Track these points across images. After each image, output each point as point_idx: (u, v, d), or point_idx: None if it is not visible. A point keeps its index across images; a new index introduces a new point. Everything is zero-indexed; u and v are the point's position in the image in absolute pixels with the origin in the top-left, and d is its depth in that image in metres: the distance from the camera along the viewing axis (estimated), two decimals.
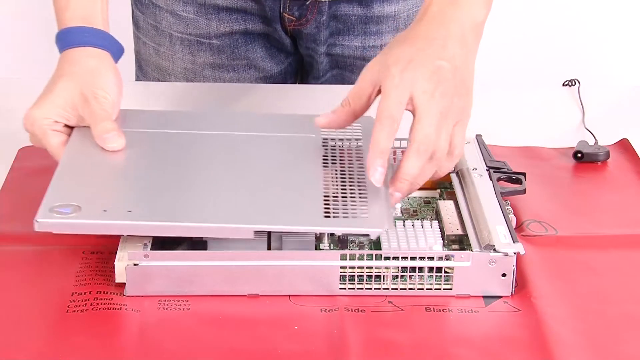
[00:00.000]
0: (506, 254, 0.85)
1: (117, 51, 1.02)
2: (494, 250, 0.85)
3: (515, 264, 0.85)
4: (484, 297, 0.86)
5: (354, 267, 0.85)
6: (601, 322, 0.84)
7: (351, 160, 0.94)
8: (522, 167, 1.03)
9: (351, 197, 0.87)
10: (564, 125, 1.17)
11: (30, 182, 1.01)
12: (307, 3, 1.22)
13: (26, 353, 0.79)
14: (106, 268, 0.88)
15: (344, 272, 0.85)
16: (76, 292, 0.85)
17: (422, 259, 0.85)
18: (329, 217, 0.85)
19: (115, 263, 0.85)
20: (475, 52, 0.93)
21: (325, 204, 0.86)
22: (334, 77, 1.32)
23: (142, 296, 0.85)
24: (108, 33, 1.02)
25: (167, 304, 0.84)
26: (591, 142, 1.11)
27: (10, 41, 2.24)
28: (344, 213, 0.85)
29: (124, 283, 0.85)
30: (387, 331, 0.82)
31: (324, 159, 0.93)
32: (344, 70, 1.31)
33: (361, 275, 0.85)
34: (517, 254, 0.85)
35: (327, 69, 1.31)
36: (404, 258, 0.85)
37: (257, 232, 0.83)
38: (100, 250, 0.90)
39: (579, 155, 1.08)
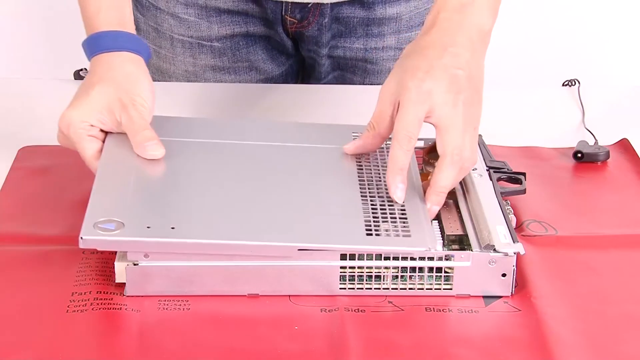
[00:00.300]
0: (506, 254, 0.85)
1: (147, 56, 1.02)
2: (494, 250, 0.85)
3: (515, 264, 0.85)
4: (484, 297, 0.86)
5: (353, 267, 0.85)
6: (601, 322, 0.84)
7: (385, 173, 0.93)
8: (522, 167, 1.03)
9: (391, 213, 0.88)
10: (564, 125, 1.17)
11: (31, 182, 1.01)
12: (309, 5, 1.22)
13: (26, 353, 0.79)
14: (106, 268, 0.88)
15: (344, 272, 0.85)
16: (76, 292, 0.85)
17: (422, 259, 0.84)
18: (370, 234, 0.85)
19: (115, 263, 0.85)
20: (483, 59, 0.94)
21: (366, 222, 0.86)
22: (335, 79, 1.32)
23: (142, 296, 0.85)
24: (140, 37, 1.02)
25: (167, 304, 0.84)
26: (591, 142, 1.11)
27: (10, 41, 2.24)
28: (385, 231, 0.86)
29: (124, 283, 0.85)
30: (387, 331, 0.82)
31: (359, 172, 0.94)
32: (345, 72, 1.31)
33: (361, 276, 0.85)
34: (517, 254, 0.85)
35: (329, 70, 1.31)
36: (404, 258, 0.85)
37: (300, 250, 0.84)
38: (100, 251, 0.90)
39: (579, 155, 1.08)
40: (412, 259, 0.84)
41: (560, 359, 0.79)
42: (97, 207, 0.86)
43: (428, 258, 0.84)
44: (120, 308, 0.83)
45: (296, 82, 1.35)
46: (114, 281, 0.86)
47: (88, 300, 0.84)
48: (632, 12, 2.23)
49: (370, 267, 0.85)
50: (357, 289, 0.85)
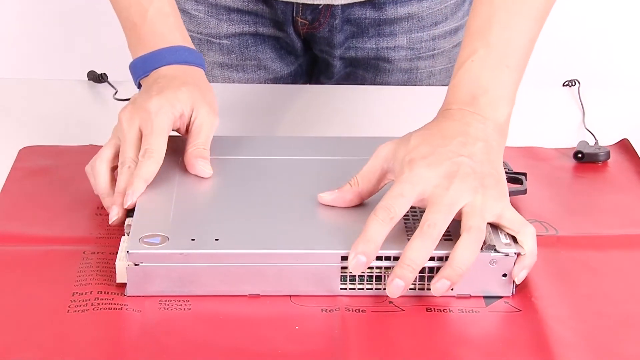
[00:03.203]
0: (507, 255, 0.85)
1: (204, 68, 1.03)
2: (495, 250, 0.85)
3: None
4: (484, 297, 0.86)
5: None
6: (601, 322, 0.84)
7: None
8: (523, 168, 1.03)
9: (414, 217, 0.88)
10: (564, 126, 1.17)
11: (31, 182, 1.01)
12: (320, 7, 1.22)
13: (27, 353, 0.79)
14: (107, 268, 0.88)
15: (345, 273, 0.85)
16: (77, 292, 0.85)
17: None
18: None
19: (116, 263, 0.85)
20: (501, 150, 0.90)
21: (406, 227, 0.87)
22: (347, 75, 1.32)
23: (143, 296, 0.85)
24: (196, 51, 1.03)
25: (168, 304, 0.84)
26: (591, 142, 1.11)
27: (10, 41, 2.24)
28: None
29: (125, 283, 0.85)
30: (387, 331, 0.82)
31: None
32: (357, 69, 1.31)
33: (362, 276, 0.85)
34: (518, 255, 0.85)
35: (341, 69, 1.31)
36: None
37: (343, 258, 0.84)
38: (101, 251, 0.90)
39: (580, 155, 1.08)
40: None
41: (560, 359, 0.79)
42: (142, 222, 0.87)
43: (429, 258, 0.84)
44: (121, 308, 0.83)
45: (306, 81, 1.35)
46: (115, 281, 0.86)
47: (89, 300, 0.84)
48: (632, 12, 2.23)
49: (371, 268, 0.85)
50: (358, 289, 0.85)
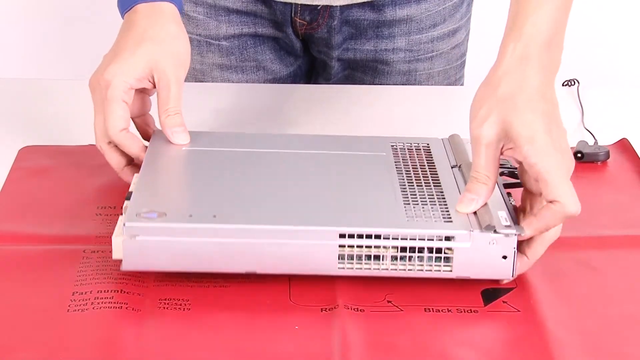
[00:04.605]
0: (507, 235, 0.84)
1: (180, 5, 1.02)
2: (495, 231, 0.84)
3: (516, 247, 0.84)
4: (483, 297, 0.86)
5: (352, 246, 0.84)
6: (601, 322, 0.84)
7: (425, 173, 0.94)
8: None
9: (431, 202, 0.88)
10: (563, 125, 1.17)
11: (31, 182, 1.01)
12: (318, 7, 1.22)
13: (27, 353, 0.79)
14: (107, 267, 0.88)
15: (343, 252, 0.84)
16: (77, 292, 0.85)
17: (421, 239, 0.84)
18: (412, 219, 0.85)
19: (112, 238, 0.85)
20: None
21: (405, 206, 0.87)
22: (345, 77, 1.32)
23: (142, 295, 0.85)
24: None
25: (168, 303, 0.84)
26: (591, 142, 1.11)
27: (10, 41, 2.24)
28: (426, 217, 0.86)
29: (121, 260, 0.85)
30: (386, 331, 0.82)
31: (397, 170, 0.94)
32: (355, 71, 1.31)
33: (360, 255, 0.85)
34: (518, 236, 0.84)
35: (339, 71, 1.31)
36: (403, 238, 0.84)
37: (341, 235, 0.84)
38: (101, 250, 0.90)
39: (579, 155, 1.08)
40: (412, 238, 0.84)
41: (559, 359, 0.79)
42: (140, 199, 0.87)
43: (428, 238, 0.84)
44: (121, 307, 0.83)
45: (305, 82, 1.35)
46: (115, 279, 0.86)
47: (89, 299, 0.84)
48: (632, 12, 2.23)
49: (370, 247, 0.84)
50: (356, 268, 0.85)
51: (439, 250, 0.84)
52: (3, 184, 1.01)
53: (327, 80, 1.32)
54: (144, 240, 0.84)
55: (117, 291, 0.85)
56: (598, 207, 1.00)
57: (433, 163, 0.96)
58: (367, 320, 0.83)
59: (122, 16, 1.01)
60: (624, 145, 1.11)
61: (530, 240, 0.86)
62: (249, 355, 0.79)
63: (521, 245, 0.86)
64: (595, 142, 1.11)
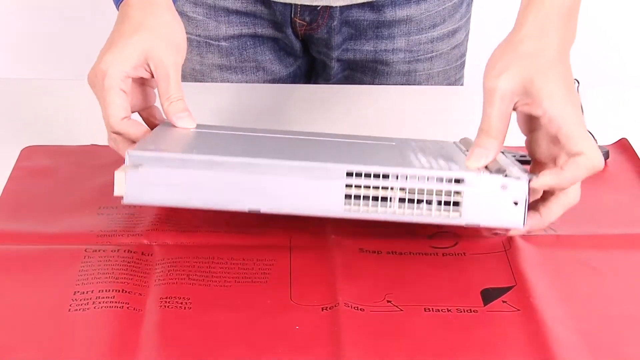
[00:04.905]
0: (518, 178, 0.82)
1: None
2: (505, 175, 0.82)
3: (528, 194, 0.83)
4: (483, 297, 0.86)
5: (360, 186, 0.82)
6: (601, 322, 0.84)
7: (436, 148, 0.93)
8: None
9: (441, 158, 0.86)
10: None
11: (33, 182, 1.02)
12: (318, 8, 1.23)
13: (28, 352, 0.79)
14: (108, 266, 0.88)
15: (350, 192, 0.83)
16: (78, 291, 0.85)
17: (430, 180, 0.82)
18: (417, 163, 0.84)
19: (115, 173, 0.83)
20: None
21: (416, 158, 0.85)
22: (345, 78, 1.33)
23: (143, 295, 0.85)
24: None
25: (168, 302, 0.85)
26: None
27: (10, 41, 2.24)
28: (433, 165, 0.84)
29: (122, 197, 0.84)
30: (386, 331, 0.82)
31: (407, 147, 0.93)
32: (355, 72, 1.31)
33: (367, 196, 0.83)
34: (530, 181, 0.82)
35: (339, 71, 1.31)
36: (412, 177, 0.82)
37: (348, 174, 0.81)
38: (103, 249, 0.91)
39: None
40: (421, 179, 0.82)
41: (559, 358, 0.79)
42: (146, 142, 0.87)
43: (437, 179, 0.82)
44: (122, 307, 0.84)
45: (304, 83, 1.35)
46: (115, 278, 0.86)
47: (90, 299, 0.84)
48: (632, 12, 2.24)
49: (377, 188, 0.82)
50: (362, 211, 0.83)
51: (448, 194, 0.82)
52: (6, 184, 1.01)
53: (327, 81, 1.32)
54: (147, 171, 0.82)
55: (119, 291, 0.85)
56: (598, 206, 1.00)
57: (447, 150, 0.94)
58: (367, 321, 0.83)
59: (117, 9, 1.01)
60: (623, 145, 1.11)
61: (546, 199, 0.86)
62: (249, 355, 0.79)
63: (536, 204, 0.86)
64: (595, 142, 1.11)
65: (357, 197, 0.82)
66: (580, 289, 0.88)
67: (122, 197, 0.83)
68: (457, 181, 0.82)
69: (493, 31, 0.95)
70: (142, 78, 0.96)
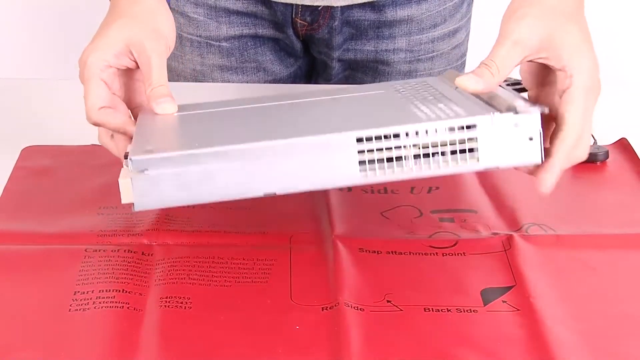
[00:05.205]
0: (530, 113, 0.81)
1: None
2: (516, 111, 0.81)
3: (541, 127, 0.81)
4: (483, 297, 0.86)
5: (372, 150, 0.81)
6: (600, 321, 0.84)
7: (431, 91, 0.90)
8: None
9: (444, 103, 0.84)
10: None
11: (33, 182, 1.02)
12: (319, 8, 1.23)
13: (28, 352, 0.79)
14: (108, 266, 0.88)
15: (363, 158, 0.81)
16: (79, 291, 0.85)
17: (442, 131, 0.80)
18: (428, 117, 0.82)
19: (119, 180, 0.81)
20: None
21: (421, 110, 0.84)
22: (346, 78, 1.33)
23: (143, 295, 0.85)
24: None
25: (169, 302, 0.85)
26: (590, 142, 1.11)
27: (10, 41, 2.24)
28: (443, 113, 0.82)
29: (131, 204, 0.81)
30: (386, 331, 0.82)
31: (403, 94, 0.91)
32: (356, 72, 1.31)
33: (381, 159, 0.81)
34: (542, 115, 0.81)
35: (340, 72, 1.31)
36: (424, 133, 0.80)
37: (358, 140, 0.80)
38: (103, 249, 0.91)
39: None
40: (433, 133, 0.80)
41: (559, 358, 0.79)
42: (142, 140, 0.83)
43: (449, 129, 0.80)
44: (122, 307, 0.84)
45: (305, 83, 1.35)
46: (116, 279, 0.86)
47: (90, 299, 0.84)
48: (632, 12, 2.23)
49: (390, 149, 0.81)
50: (379, 174, 0.81)
51: (462, 142, 0.81)
52: (6, 183, 1.01)
53: (328, 81, 1.32)
54: (154, 174, 0.79)
55: (119, 290, 0.86)
56: (597, 206, 1.00)
57: (436, 89, 0.92)
58: (367, 321, 0.83)
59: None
60: (623, 145, 1.11)
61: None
62: (249, 355, 0.79)
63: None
64: (595, 142, 1.11)
65: (372, 161, 0.81)
66: (580, 289, 0.88)
67: (132, 205, 0.81)
68: (469, 127, 0.81)
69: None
70: (129, 70, 0.94)
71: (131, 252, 0.91)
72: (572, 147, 0.85)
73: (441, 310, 0.85)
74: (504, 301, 0.86)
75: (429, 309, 0.85)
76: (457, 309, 0.85)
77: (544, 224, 0.96)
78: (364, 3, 1.24)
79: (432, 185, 1.03)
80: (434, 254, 0.92)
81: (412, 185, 1.02)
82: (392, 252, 0.92)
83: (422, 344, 0.81)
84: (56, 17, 2.21)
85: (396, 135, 0.80)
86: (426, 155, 0.81)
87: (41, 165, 1.04)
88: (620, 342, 0.82)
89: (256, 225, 0.95)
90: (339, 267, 0.89)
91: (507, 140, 0.81)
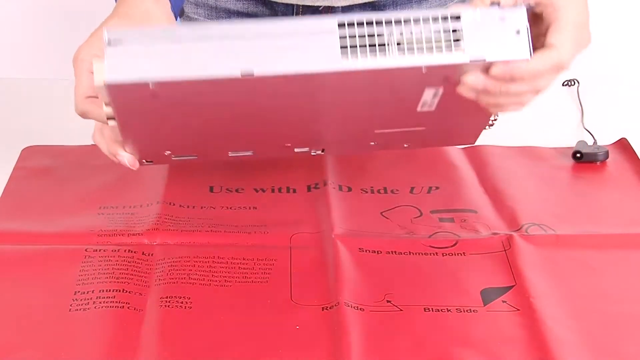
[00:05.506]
0: (515, 6, 0.80)
1: (177, 1, 0.98)
2: (499, 5, 0.80)
3: (528, 21, 0.80)
4: (482, 297, 0.86)
5: (354, 36, 0.78)
6: (600, 321, 0.84)
7: None
8: (522, 167, 1.03)
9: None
10: (563, 125, 1.17)
11: (34, 182, 1.02)
12: (320, 9, 1.23)
13: (29, 352, 0.79)
14: (109, 266, 0.88)
15: (345, 43, 0.78)
16: (79, 291, 0.85)
17: (426, 20, 0.78)
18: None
19: (93, 61, 0.79)
20: None
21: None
22: None
23: (143, 295, 0.85)
24: None
25: (169, 302, 0.85)
26: (590, 142, 1.11)
27: (10, 41, 2.24)
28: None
29: (103, 85, 0.77)
30: (386, 331, 0.82)
31: None
32: None
33: (363, 45, 0.79)
34: (528, 10, 0.80)
35: None
36: (407, 20, 0.79)
37: (340, 25, 0.78)
38: (103, 249, 0.91)
39: (578, 155, 1.08)
40: (416, 21, 0.78)
41: (559, 358, 0.79)
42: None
43: (433, 19, 0.78)
44: (123, 307, 0.84)
45: None
46: (116, 277, 0.86)
47: (90, 299, 0.84)
48: (632, 11, 2.23)
49: (372, 36, 0.79)
50: (361, 61, 0.78)
51: (447, 32, 0.79)
52: (6, 184, 1.01)
53: None
54: (129, 48, 0.76)
55: (119, 290, 0.86)
56: (597, 206, 1.00)
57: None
58: (367, 321, 0.83)
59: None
60: (623, 145, 1.11)
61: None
62: (250, 355, 0.80)
63: None
64: (595, 142, 1.11)
65: (354, 46, 0.79)
66: (579, 288, 0.88)
67: (103, 86, 0.77)
68: (453, 18, 0.79)
69: None
70: None
71: (131, 252, 0.91)
72: (555, 66, 0.87)
73: (441, 310, 0.85)
74: (503, 301, 0.86)
75: (428, 309, 0.85)
76: (457, 309, 0.85)
77: (544, 224, 0.96)
78: (365, 3, 1.24)
79: (432, 185, 1.03)
80: (434, 254, 0.92)
81: (412, 185, 1.02)
82: (392, 252, 0.92)
83: (422, 344, 0.81)
84: (56, 17, 2.21)
85: (379, 22, 0.78)
86: (410, 46, 0.79)
87: (41, 165, 1.04)
88: (620, 342, 0.82)
89: (256, 225, 0.95)
90: (339, 267, 0.89)
91: (494, 33, 0.79)
